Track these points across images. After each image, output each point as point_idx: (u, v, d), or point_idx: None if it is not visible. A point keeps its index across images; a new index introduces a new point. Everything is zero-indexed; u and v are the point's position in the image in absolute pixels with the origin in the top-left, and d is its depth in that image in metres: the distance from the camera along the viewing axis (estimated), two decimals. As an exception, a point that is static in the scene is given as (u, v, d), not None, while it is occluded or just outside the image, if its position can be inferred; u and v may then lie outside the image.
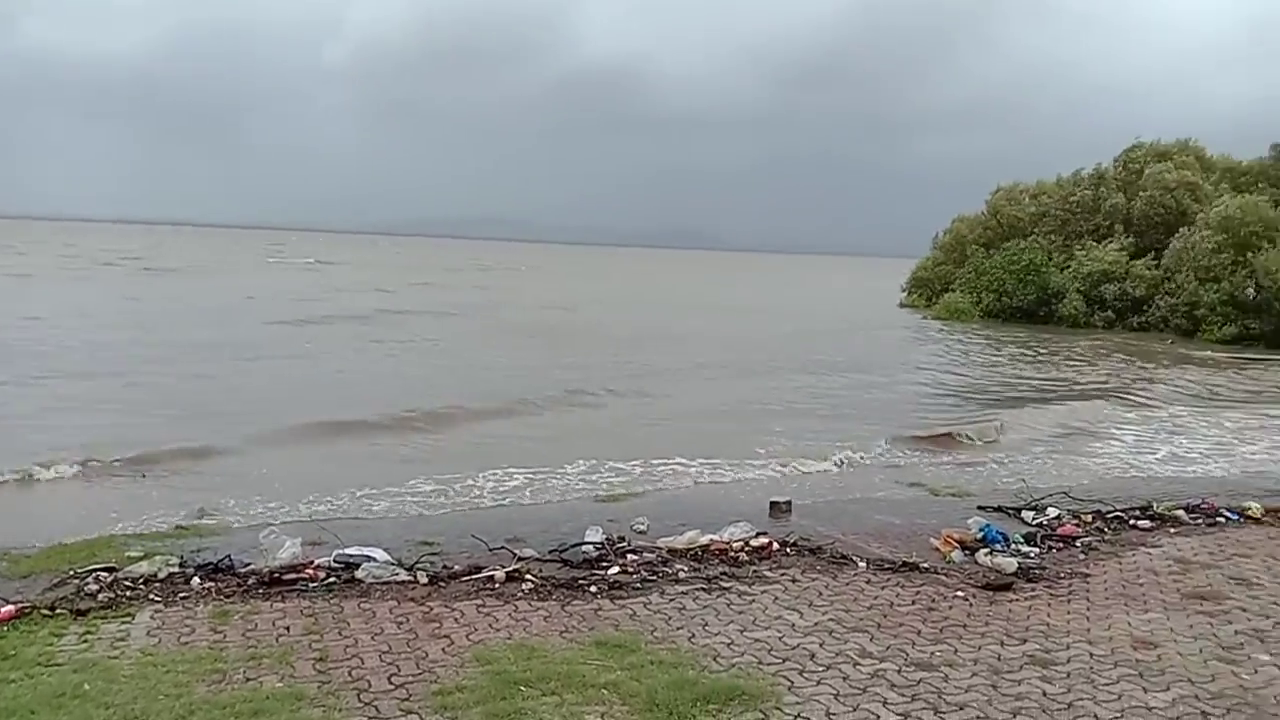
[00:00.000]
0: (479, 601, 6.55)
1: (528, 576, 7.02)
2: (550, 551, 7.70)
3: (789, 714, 4.92)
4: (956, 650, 5.90)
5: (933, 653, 5.84)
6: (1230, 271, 36.40)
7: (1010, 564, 7.73)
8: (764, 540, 7.96)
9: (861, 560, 7.77)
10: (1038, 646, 6.00)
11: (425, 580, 6.95)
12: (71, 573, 6.97)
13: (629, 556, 7.53)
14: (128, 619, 6.09)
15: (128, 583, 6.75)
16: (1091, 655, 5.87)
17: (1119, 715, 5.05)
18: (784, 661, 5.61)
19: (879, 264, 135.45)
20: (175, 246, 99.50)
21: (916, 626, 6.30)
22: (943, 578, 7.46)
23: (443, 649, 5.66)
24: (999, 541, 8.38)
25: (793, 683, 5.31)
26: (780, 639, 5.98)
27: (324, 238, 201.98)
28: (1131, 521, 9.49)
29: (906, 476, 12.04)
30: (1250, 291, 36.00)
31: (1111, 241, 41.68)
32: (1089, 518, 9.57)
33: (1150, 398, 20.91)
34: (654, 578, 7.11)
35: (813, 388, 20.01)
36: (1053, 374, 25.00)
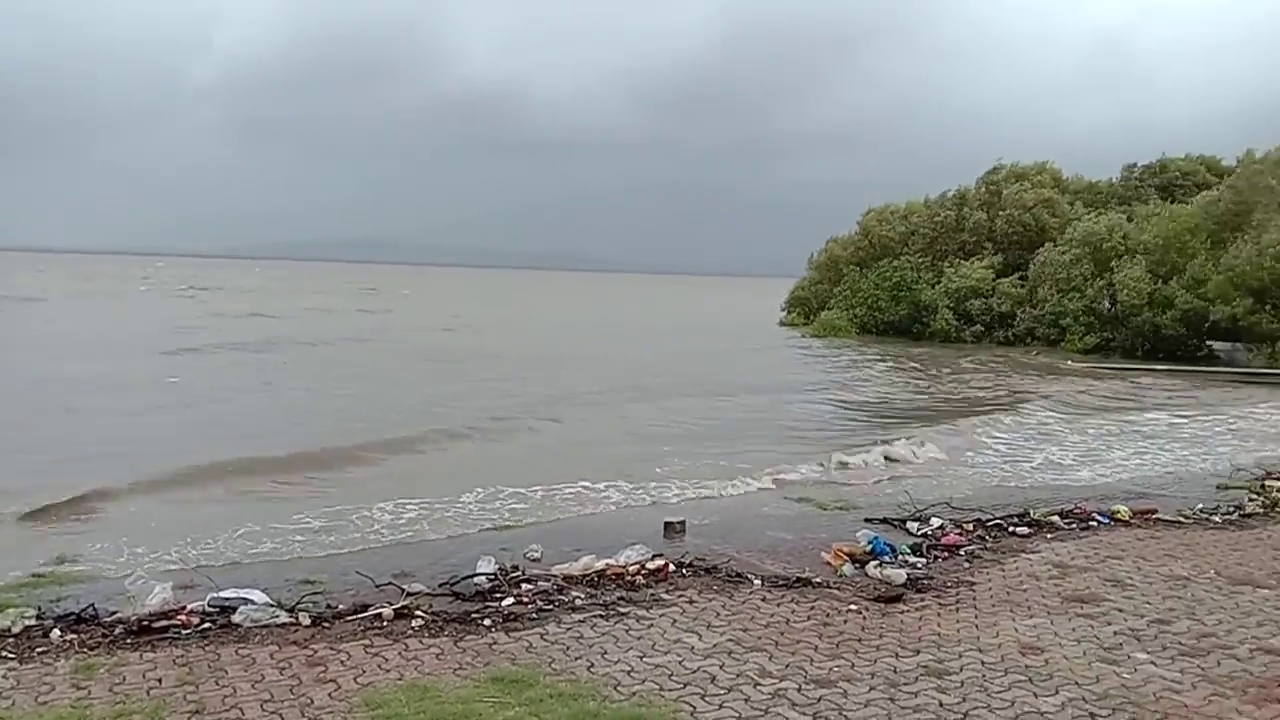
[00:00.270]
0: (366, 641, 6.26)
1: (417, 612, 6.75)
2: (441, 585, 7.45)
3: (693, 741, 4.84)
4: (853, 665, 5.93)
5: (830, 668, 5.86)
6: (1088, 284, 38.44)
7: (899, 575, 7.86)
8: (660, 562, 7.89)
9: (756, 578, 7.78)
10: (931, 657, 6.09)
11: (308, 622, 6.61)
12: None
13: (523, 586, 7.34)
14: (-25, 681, 5.58)
15: (-25, 640, 6.20)
16: (983, 663, 5.98)
17: (1013, 721, 5.15)
18: (685, 686, 5.53)
19: (757, 284, 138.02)
20: (30, 274, 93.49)
21: (813, 642, 6.32)
22: (835, 592, 7.53)
23: (329, 694, 5.37)
24: (887, 553, 8.52)
25: (695, 708, 5.24)
26: (680, 663, 5.90)
27: (192, 263, 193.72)
28: (1011, 528, 9.81)
29: (794, 492, 12.17)
30: (1107, 304, 38.12)
31: (980, 259, 43.56)
32: (970, 526, 9.85)
33: (1023, 407, 21.83)
34: (550, 607, 6.95)
35: (710, 409, 19.89)
36: (939, 389, 25.84)
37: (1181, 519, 10.38)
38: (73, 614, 6.68)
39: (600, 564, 7.78)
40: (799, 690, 5.52)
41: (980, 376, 28.83)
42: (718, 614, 6.87)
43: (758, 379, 25.52)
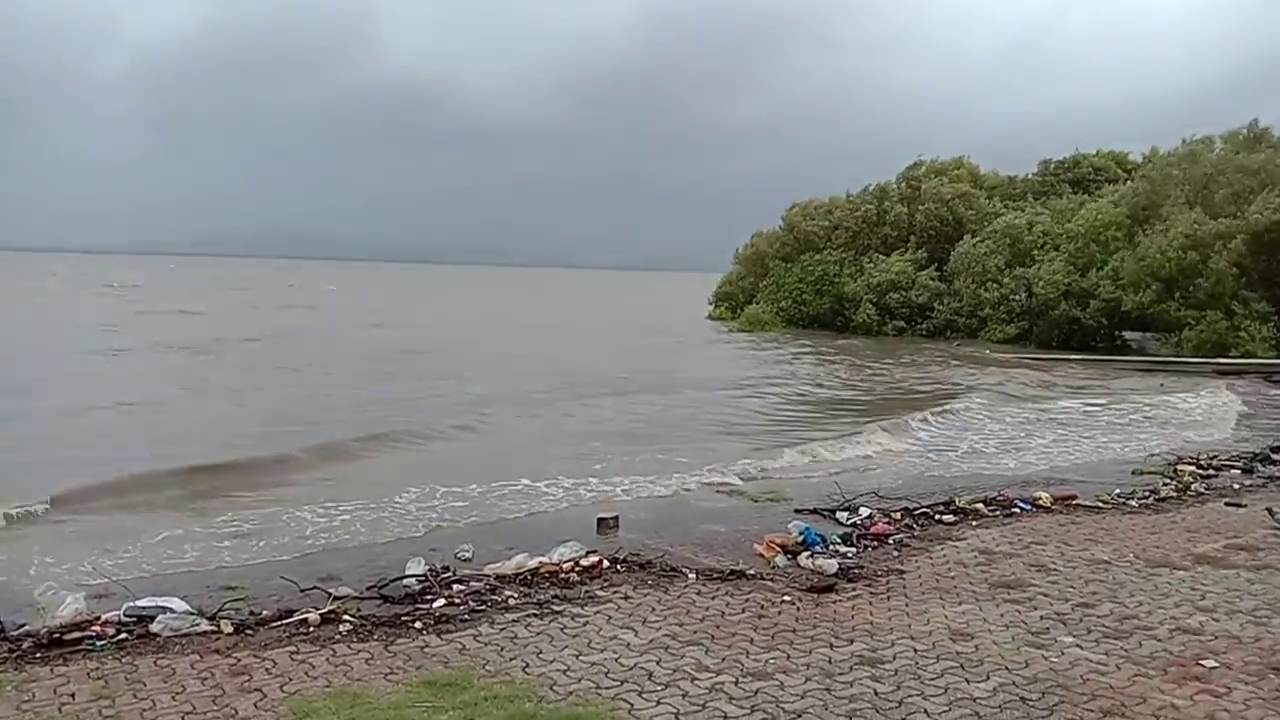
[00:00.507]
0: (292, 648, 6.07)
1: (345, 617, 6.57)
2: (369, 588, 7.27)
3: (632, 739, 4.78)
4: (789, 656, 5.95)
5: (766, 661, 5.87)
6: (1002, 274, 39.42)
7: (831, 565, 7.93)
8: (594, 559, 7.82)
9: (691, 571, 7.76)
10: (865, 646, 6.14)
11: (230, 629, 6.39)
12: None
13: (455, 587, 7.20)
14: None
15: None
16: (915, 651, 6.05)
17: (947, 709, 5.20)
18: (622, 683, 5.48)
19: (685, 278, 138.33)
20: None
21: (749, 635, 6.32)
22: (769, 583, 7.55)
23: (254, 704, 5.19)
24: (818, 543, 8.59)
25: (633, 705, 5.19)
26: (617, 660, 5.85)
27: (103, 260, 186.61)
28: (937, 516, 9.97)
29: (727, 485, 12.20)
30: (1023, 295, 39.17)
31: (903, 253, 44.36)
32: (898, 515, 9.98)
33: (947, 397, 22.27)
34: (483, 607, 6.82)
35: (645, 406, 19.63)
36: (866, 381, 26.16)
37: (1100, 504, 10.68)
38: (-24, 629, 6.35)
39: (533, 562, 7.68)
40: (736, 683, 5.51)
41: (904, 369, 29.34)
42: (653, 609, 6.83)
43: (691, 375, 25.47)
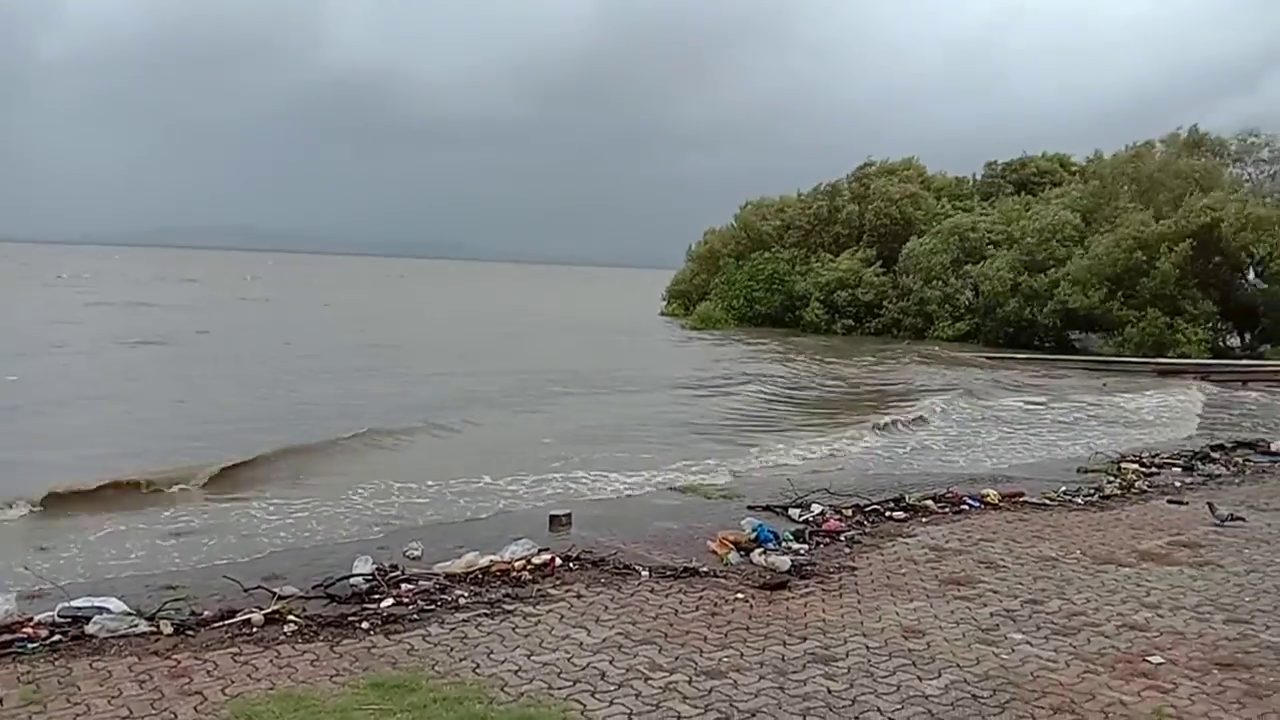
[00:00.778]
0: (234, 650, 5.89)
1: (290, 617, 6.40)
2: (315, 587, 7.09)
3: (584, 740, 4.71)
4: (742, 654, 5.91)
5: (720, 659, 5.83)
6: (948, 272, 39.96)
7: (784, 562, 7.91)
8: (546, 556, 7.71)
9: (644, 569, 7.70)
10: (818, 643, 6.13)
11: (170, 630, 6.18)
12: None
13: (403, 586, 7.05)
14: None
15: None
16: (868, 648, 6.05)
17: (900, 706, 5.20)
18: (575, 684, 5.40)
19: (639, 274, 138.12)
20: None
21: (702, 633, 6.28)
22: (723, 580, 7.52)
23: (194, 707, 5.02)
24: (771, 540, 8.58)
25: (585, 706, 5.11)
26: (569, 660, 5.77)
27: (43, 250, 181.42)
28: (888, 513, 10.01)
29: (674, 480, 12.17)
30: (969, 294, 39.75)
31: (853, 251, 44.73)
32: (850, 512, 10.01)
33: (897, 394, 22.50)
34: (432, 607, 6.69)
35: (601, 405, 19.53)
36: (818, 379, 26.34)
37: (1047, 501, 10.81)
38: (-105, 635, 6.08)
39: (484, 560, 7.55)
40: (690, 682, 5.46)
41: (860, 367, 29.56)
42: (606, 607, 6.76)
43: (646, 373, 25.36)
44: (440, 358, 27.76)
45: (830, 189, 49.24)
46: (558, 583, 7.31)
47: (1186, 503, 10.67)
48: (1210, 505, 9.99)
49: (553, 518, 9.48)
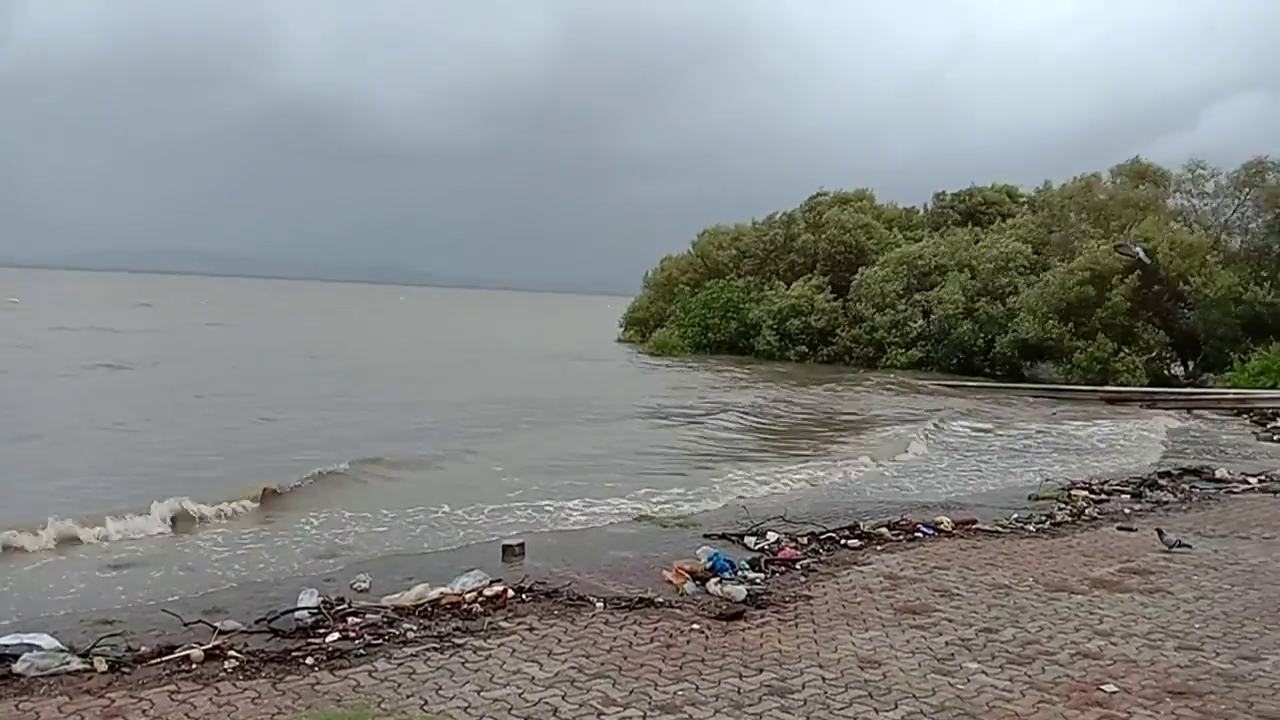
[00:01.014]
0: (172, 687, 5.68)
1: (231, 653, 6.19)
2: (258, 621, 6.88)
3: (535, 780, 4.57)
4: (698, 687, 5.82)
5: (675, 692, 5.73)
6: (901, 299, 40.42)
7: (740, 591, 7.84)
8: (499, 588, 7.56)
9: (599, 600, 7.58)
10: (774, 675, 6.05)
11: (105, 668, 5.95)
12: None
13: (350, 620, 6.86)
14: None
15: None
16: (824, 680, 5.98)
17: (857, 739, 5.14)
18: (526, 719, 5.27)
19: (593, 301, 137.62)
20: None
21: (657, 666, 6.17)
22: (678, 611, 7.43)
23: (127, 750, 4.82)
24: (727, 569, 8.50)
25: (536, 743, 4.98)
26: (520, 695, 5.63)
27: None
28: (843, 541, 9.99)
29: (632, 508, 12.06)
30: (919, 321, 40.26)
31: (807, 279, 45.10)
32: (805, 540, 9.97)
33: (851, 421, 22.60)
34: (379, 641, 6.51)
35: (565, 436, 19.02)
36: (774, 406, 26.34)
37: (999, 528, 10.86)
38: None
39: (434, 593, 7.38)
40: (644, 717, 5.36)
41: (813, 394, 29.64)
42: (559, 640, 6.63)
43: (607, 402, 25.03)
44: (399, 386, 27.27)
45: (786, 218, 49.72)
46: (510, 615, 7.17)
47: (1136, 529, 10.78)
48: (1159, 531, 10.10)
49: (506, 548, 9.31)
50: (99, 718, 5.23)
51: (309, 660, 6.16)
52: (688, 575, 8.26)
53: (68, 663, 6.01)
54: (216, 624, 6.76)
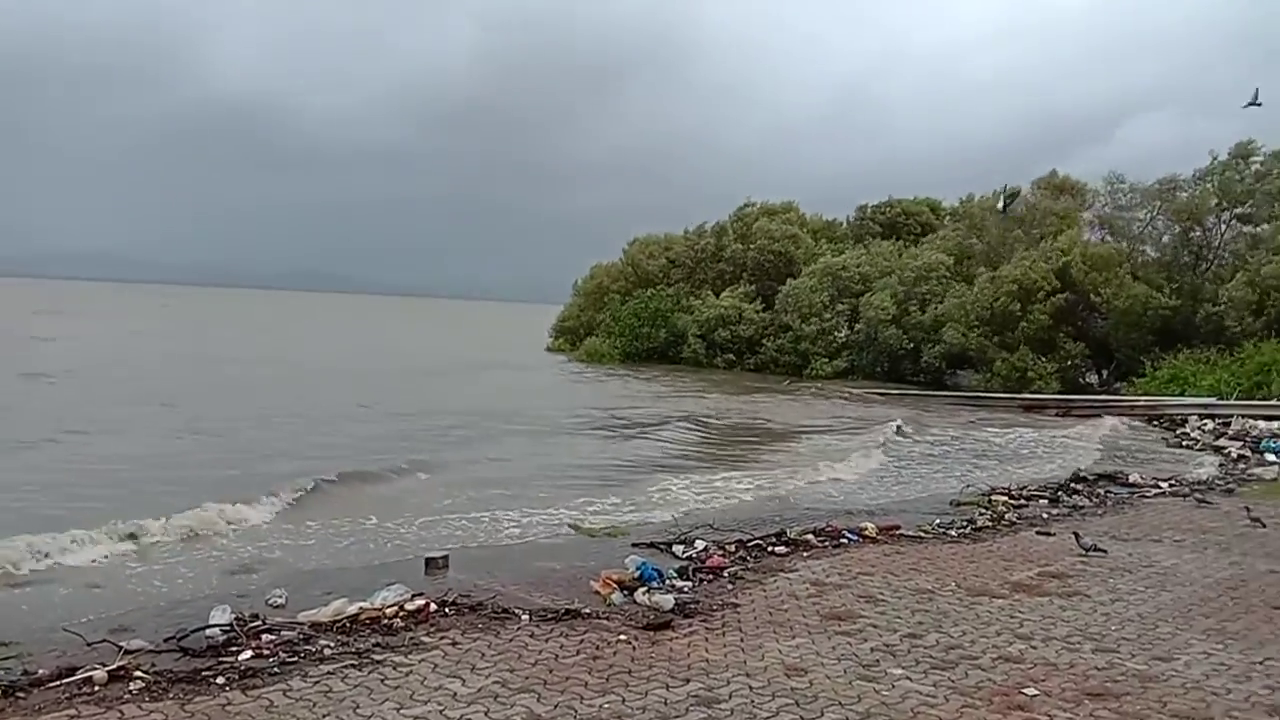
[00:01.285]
0: (72, 711, 5.39)
1: (137, 673, 5.91)
2: (166, 640, 6.59)
3: (455, 800, 4.44)
4: (624, 700, 5.73)
5: (601, 705, 5.63)
6: (828, 309, 41.01)
7: (667, 601, 7.78)
8: (421, 602, 7.37)
9: (524, 612, 7.45)
10: (701, 685, 5.99)
11: (-2, 693, 5.63)
12: None
13: (264, 637, 6.61)
14: None
15: None
16: (751, 689, 5.94)
17: (783, 748, 5.11)
18: (447, 738, 5.12)
19: (528, 309, 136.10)
20: None
21: (583, 678, 6.07)
22: (605, 622, 7.33)
23: (19, 781, 4.55)
24: (655, 579, 8.44)
25: (457, 761, 4.84)
26: (441, 712, 5.47)
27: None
28: (770, 548, 10.01)
29: (559, 518, 11.94)
30: (845, 332, 40.89)
31: (736, 289, 45.48)
32: (733, 547, 9.97)
33: (798, 431, 22.77)
34: (295, 659, 6.27)
35: (493, 446, 18.71)
36: (704, 415, 26.40)
37: (922, 534, 11.01)
38: None
39: (353, 608, 7.16)
40: (569, 732, 5.25)
41: (744, 403, 29.84)
42: (483, 654, 6.48)
43: (543, 412, 24.76)
44: (329, 397, 26.40)
45: (717, 228, 50.10)
46: (432, 630, 6.99)
47: (1054, 534, 11.01)
48: (1076, 535, 10.33)
49: (429, 560, 9.10)
50: (-10, 746, 4.94)
51: (220, 680, 5.91)
52: (615, 585, 8.17)
53: (-45, 689, 5.67)
54: (122, 643, 6.44)
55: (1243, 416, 23.48)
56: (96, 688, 5.75)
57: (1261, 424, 22.19)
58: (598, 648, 6.70)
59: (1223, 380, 27.94)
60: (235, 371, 32.74)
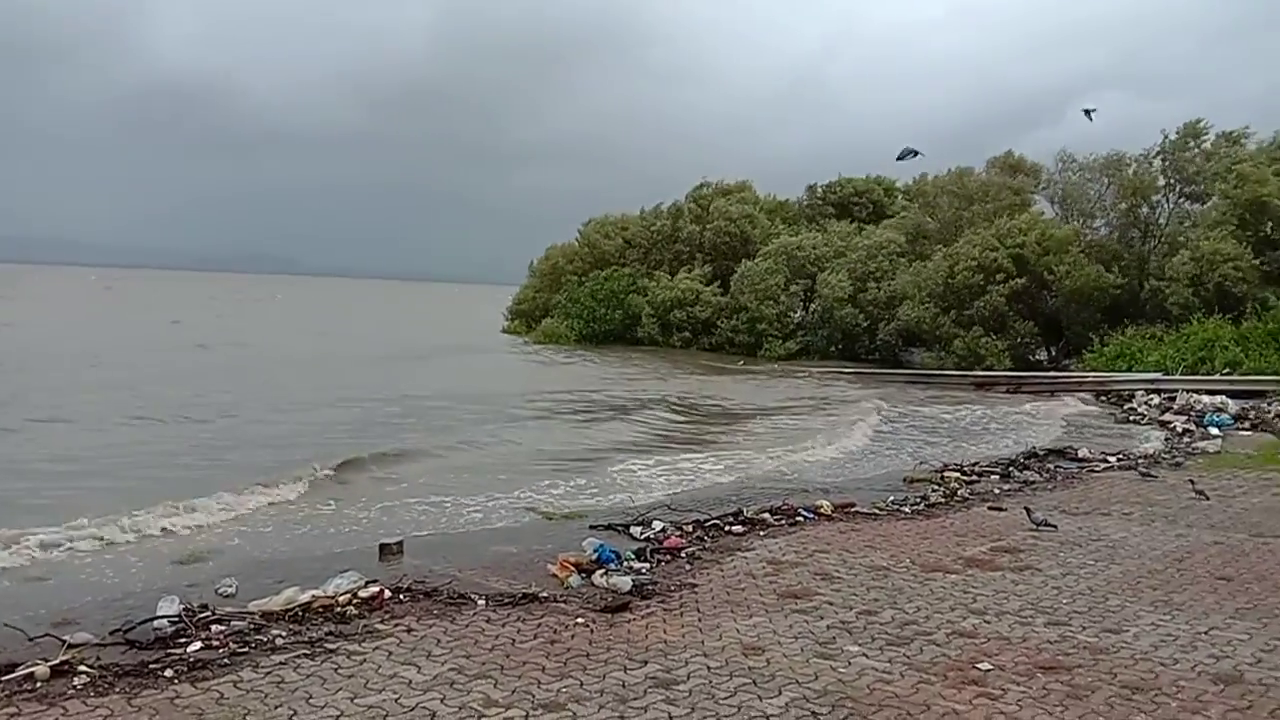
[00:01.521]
0: (13, 709, 5.25)
1: (82, 668, 5.77)
2: (113, 632, 6.44)
3: (411, 789, 4.38)
4: (582, 683, 5.71)
5: (559, 690, 5.60)
6: (783, 291, 41.15)
7: (625, 583, 7.77)
8: (375, 589, 7.27)
9: (480, 597, 7.39)
10: (659, 667, 5.99)
11: (-66, 691, 5.46)
12: None
13: (214, 628, 6.49)
14: None
15: None
16: (709, 669, 5.95)
17: (741, 728, 5.12)
18: (402, 726, 5.05)
19: (474, 290, 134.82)
20: None
21: (541, 663, 6.03)
22: (562, 605, 7.30)
23: (-43, 782, 4.41)
24: (612, 560, 8.43)
25: (413, 750, 4.78)
26: (397, 700, 5.41)
27: None
28: (727, 528, 10.04)
29: (519, 501, 11.87)
30: (800, 312, 41.06)
31: (691, 269, 45.45)
32: (690, 528, 9.98)
33: (731, 409, 22.84)
34: (245, 649, 6.17)
35: (450, 431, 18.39)
36: (654, 395, 26.40)
37: (877, 511, 11.10)
38: None
39: (305, 596, 7.05)
40: (527, 717, 5.22)
41: (710, 384, 29.79)
42: (438, 641, 6.41)
43: (504, 395, 24.40)
44: (276, 388, 25.55)
45: (674, 209, 49.94)
46: (386, 617, 6.90)
47: (1005, 509, 11.16)
48: (1027, 510, 10.48)
49: (383, 546, 8.99)
50: (-73, 747, 4.79)
51: (168, 672, 5.79)
52: (573, 568, 8.15)
53: (-112, 688, 5.49)
54: (65, 637, 6.28)
55: (1187, 391, 23.96)
56: (38, 684, 5.61)
57: (1205, 398, 22.66)
58: (555, 631, 6.66)
59: (1168, 356, 28.46)
60: (182, 358, 32.06)
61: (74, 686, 5.58)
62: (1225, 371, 26.52)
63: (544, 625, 6.80)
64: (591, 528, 10.03)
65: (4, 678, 5.65)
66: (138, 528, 9.92)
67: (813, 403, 25.30)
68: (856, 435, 18.82)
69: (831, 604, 7.34)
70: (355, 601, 7.04)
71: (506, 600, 7.35)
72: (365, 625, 6.70)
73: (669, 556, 8.84)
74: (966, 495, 12.14)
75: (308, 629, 6.60)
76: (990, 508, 11.30)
